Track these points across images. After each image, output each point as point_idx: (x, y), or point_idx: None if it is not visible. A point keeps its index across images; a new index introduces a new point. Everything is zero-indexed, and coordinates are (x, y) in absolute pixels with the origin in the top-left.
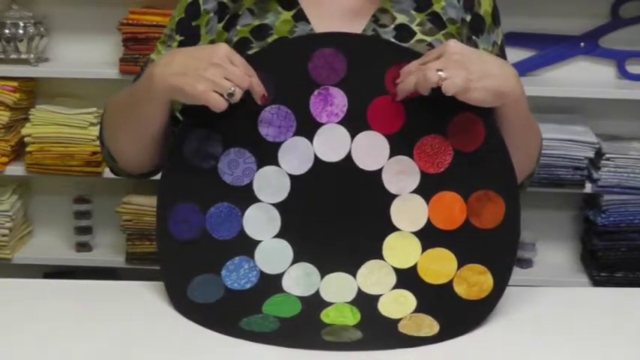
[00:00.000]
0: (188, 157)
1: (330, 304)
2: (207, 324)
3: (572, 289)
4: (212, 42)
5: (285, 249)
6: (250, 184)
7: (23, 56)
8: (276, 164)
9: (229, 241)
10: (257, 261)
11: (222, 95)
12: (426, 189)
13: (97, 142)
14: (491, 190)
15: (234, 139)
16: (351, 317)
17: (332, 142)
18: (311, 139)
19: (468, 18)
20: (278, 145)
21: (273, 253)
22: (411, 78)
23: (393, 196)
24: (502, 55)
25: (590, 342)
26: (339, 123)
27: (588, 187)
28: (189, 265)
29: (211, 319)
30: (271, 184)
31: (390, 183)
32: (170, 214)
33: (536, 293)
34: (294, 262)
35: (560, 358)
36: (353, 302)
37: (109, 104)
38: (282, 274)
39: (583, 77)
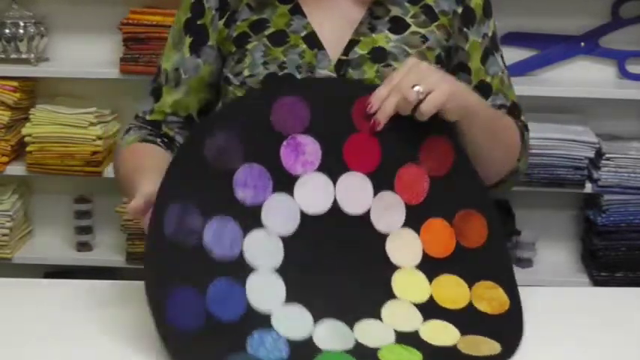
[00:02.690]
0: (170, 237)
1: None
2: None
3: (572, 289)
4: (217, 39)
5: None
6: (241, 253)
7: (23, 56)
8: (262, 227)
9: (239, 321)
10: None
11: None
12: (414, 220)
13: (97, 142)
14: (470, 209)
15: (213, 209)
16: None
17: (314, 193)
18: (292, 194)
19: (460, 10)
20: (259, 207)
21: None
22: (391, 100)
23: (386, 235)
24: (494, 46)
25: (590, 342)
26: (317, 171)
27: (588, 187)
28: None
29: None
30: (263, 250)
31: (379, 222)
32: (167, 301)
33: (536, 293)
34: (316, 322)
35: (560, 357)
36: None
37: (118, 157)
38: (311, 336)
39: (583, 77)
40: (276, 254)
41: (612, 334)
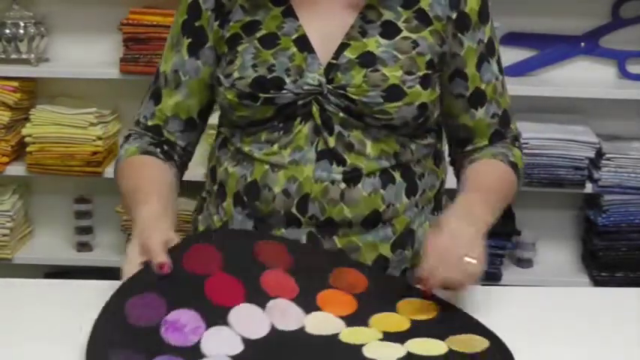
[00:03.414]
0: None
1: None
2: None
3: (573, 289)
4: (213, 39)
5: None
6: (198, 343)
7: (24, 56)
8: (227, 325)
9: None
10: None
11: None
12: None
13: (98, 143)
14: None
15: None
16: None
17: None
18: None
19: (454, 15)
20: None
21: None
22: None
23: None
24: (490, 51)
25: (591, 342)
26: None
27: (589, 187)
28: None
29: None
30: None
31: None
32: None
33: (537, 293)
34: None
35: (560, 357)
36: None
37: (118, 168)
38: None
39: (583, 77)
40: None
41: (612, 334)
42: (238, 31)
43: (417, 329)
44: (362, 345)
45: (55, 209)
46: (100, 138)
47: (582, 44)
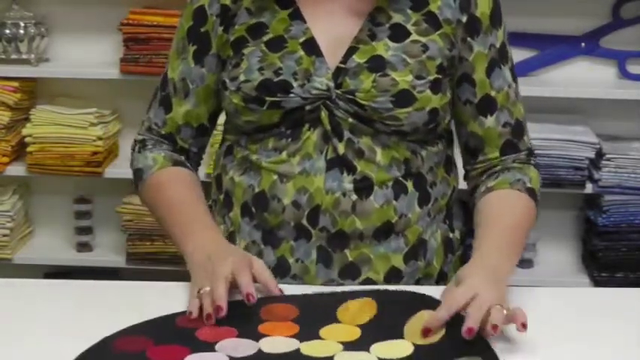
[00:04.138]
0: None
1: None
2: None
3: (573, 290)
4: (217, 44)
5: None
6: None
7: (24, 56)
8: (214, 351)
9: None
10: None
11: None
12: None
13: (98, 143)
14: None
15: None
16: None
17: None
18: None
19: (464, 19)
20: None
21: None
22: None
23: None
24: (503, 57)
25: (591, 342)
26: (291, 337)
27: (589, 188)
28: None
29: None
30: None
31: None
32: None
33: (537, 293)
34: None
35: (560, 357)
36: None
37: (152, 181)
38: None
39: (584, 77)
40: None
41: (612, 334)
42: (244, 34)
43: (419, 355)
44: None
45: (55, 209)
46: (100, 138)
47: (582, 44)
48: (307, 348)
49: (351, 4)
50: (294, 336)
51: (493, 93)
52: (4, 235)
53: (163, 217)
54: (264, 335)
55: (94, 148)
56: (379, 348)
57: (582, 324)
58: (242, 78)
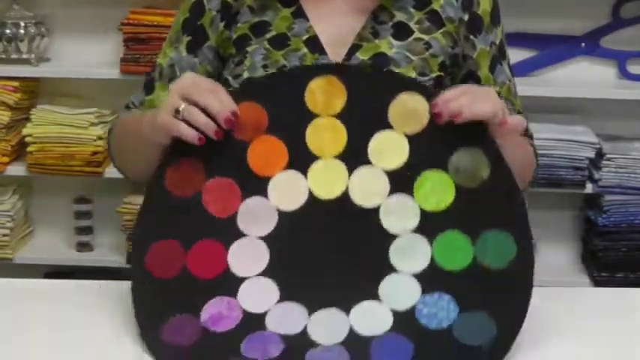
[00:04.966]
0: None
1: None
2: None
3: (573, 290)
4: (216, 40)
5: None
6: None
7: (24, 56)
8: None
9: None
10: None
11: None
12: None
13: (98, 143)
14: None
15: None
16: None
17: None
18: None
19: (466, 17)
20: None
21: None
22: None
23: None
24: (502, 54)
25: (591, 342)
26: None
27: (589, 188)
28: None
29: None
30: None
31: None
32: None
33: (537, 293)
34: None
35: (560, 358)
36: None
37: (117, 124)
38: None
39: (584, 77)
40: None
41: (612, 334)
42: (247, 32)
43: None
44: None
45: (56, 209)
46: (100, 138)
47: (583, 44)
48: (315, 185)
49: (354, 2)
50: (288, 166)
51: (497, 88)
52: (5, 235)
53: (125, 137)
54: (262, 178)
55: (95, 147)
56: (375, 147)
57: (582, 324)
58: (246, 75)
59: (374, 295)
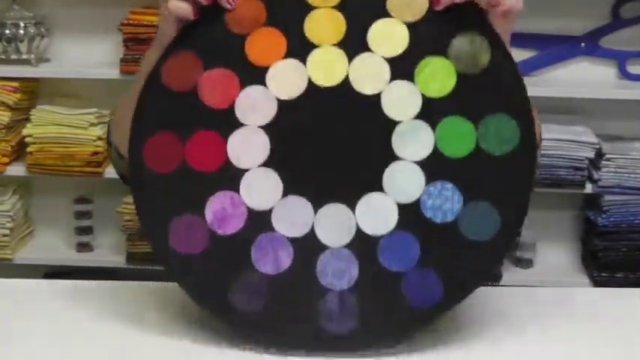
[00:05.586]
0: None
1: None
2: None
3: (573, 290)
4: None
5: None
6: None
7: (24, 56)
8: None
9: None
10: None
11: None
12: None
13: (98, 143)
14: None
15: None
16: None
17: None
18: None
19: None
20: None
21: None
22: None
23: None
24: None
25: (591, 342)
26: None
27: (589, 188)
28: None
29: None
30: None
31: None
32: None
33: (537, 293)
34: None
35: (559, 358)
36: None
37: (119, 103)
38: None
39: (583, 77)
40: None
41: (612, 334)
42: None
43: (417, 37)
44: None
45: (56, 209)
46: (100, 138)
47: (582, 45)
48: (314, 72)
49: None
50: (286, 56)
51: None
52: (4, 236)
53: (125, 105)
54: (261, 68)
55: (94, 148)
56: (375, 35)
57: (582, 324)
58: None
59: (378, 187)
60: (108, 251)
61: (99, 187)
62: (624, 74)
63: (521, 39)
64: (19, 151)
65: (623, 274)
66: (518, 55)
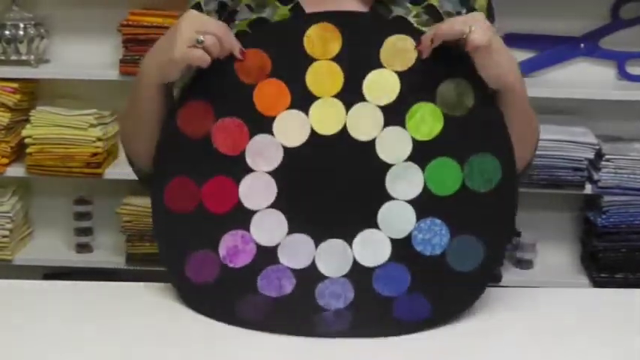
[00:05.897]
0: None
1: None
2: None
3: (573, 290)
4: None
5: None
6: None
7: (23, 57)
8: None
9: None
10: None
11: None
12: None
13: (97, 144)
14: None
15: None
16: None
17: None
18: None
19: (464, 12)
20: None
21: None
22: (443, 28)
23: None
24: None
25: (590, 343)
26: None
27: (588, 188)
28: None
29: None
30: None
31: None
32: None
33: (536, 294)
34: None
35: (559, 358)
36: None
37: (124, 109)
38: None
39: (583, 78)
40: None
41: (612, 335)
42: (245, 28)
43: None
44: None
45: (55, 210)
46: (99, 139)
47: (582, 45)
48: (316, 122)
49: None
50: (291, 106)
51: None
52: (4, 237)
53: (128, 114)
54: (268, 117)
55: (94, 149)
56: (370, 85)
57: (582, 325)
58: None
59: (373, 223)
60: (107, 252)
61: (98, 188)
62: (624, 75)
63: (521, 39)
64: (19, 152)
65: (623, 275)
66: (519, 55)
